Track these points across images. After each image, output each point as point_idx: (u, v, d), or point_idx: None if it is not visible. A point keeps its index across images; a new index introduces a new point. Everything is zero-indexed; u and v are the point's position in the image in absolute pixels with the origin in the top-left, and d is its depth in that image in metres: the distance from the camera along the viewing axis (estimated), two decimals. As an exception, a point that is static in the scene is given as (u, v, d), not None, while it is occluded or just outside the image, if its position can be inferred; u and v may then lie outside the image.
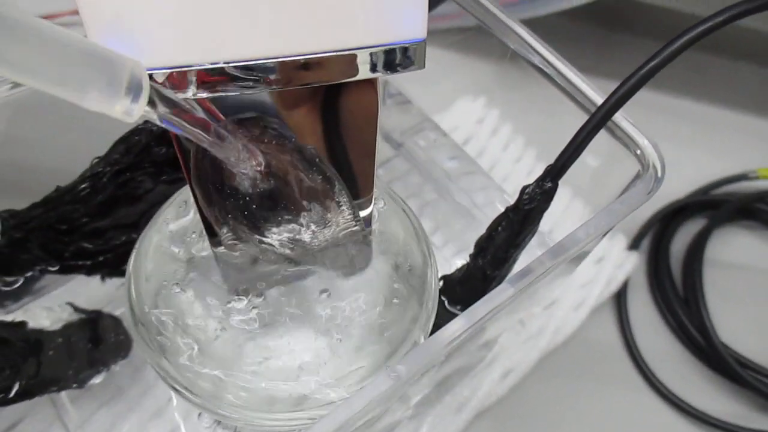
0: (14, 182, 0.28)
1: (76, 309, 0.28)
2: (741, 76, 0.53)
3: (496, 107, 0.43)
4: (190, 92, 0.17)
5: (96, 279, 0.29)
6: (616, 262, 0.39)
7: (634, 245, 0.42)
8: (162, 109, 0.16)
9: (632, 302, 0.40)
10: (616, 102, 0.22)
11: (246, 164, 0.19)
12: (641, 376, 0.38)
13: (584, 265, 0.38)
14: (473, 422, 0.34)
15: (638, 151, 0.24)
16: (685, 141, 0.47)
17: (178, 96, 0.17)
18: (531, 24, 0.28)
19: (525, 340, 0.35)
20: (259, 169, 0.19)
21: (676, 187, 0.45)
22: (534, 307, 0.35)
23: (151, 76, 0.16)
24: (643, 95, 0.22)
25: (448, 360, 0.30)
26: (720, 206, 0.43)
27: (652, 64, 0.22)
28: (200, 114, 0.17)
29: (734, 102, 0.51)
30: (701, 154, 0.47)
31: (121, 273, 0.29)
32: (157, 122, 0.16)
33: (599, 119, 0.22)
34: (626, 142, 0.24)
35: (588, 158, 0.24)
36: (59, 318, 0.27)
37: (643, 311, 0.40)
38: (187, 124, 0.16)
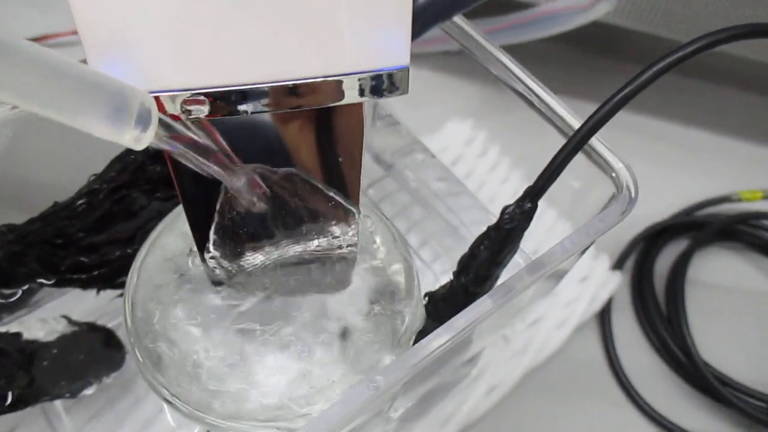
0: (13, 197, 0.29)
1: (71, 321, 0.29)
2: (725, 100, 0.54)
3: (484, 129, 0.44)
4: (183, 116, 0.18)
5: (89, 292, 0.29)
6: (600, 281, 0.40)
7: (618, 265, 0.43)
8: (168, 138, 0.17)
9: (616, 321, 0.41)
10: (591, 127, 0.23)
11: (246, 187, 0.20)
12: (624, 394, 0.38)
13: (568, 284, 0.39)
14: (458, 437, 0.34)
15: (613, 174, 0.25)
16: (669, 163, 0.48)
17: (182, 125, 0.18)
18: (519, 49, 0.29)
19: (509, 356, 0.36)
20: (261, 192, 0.20)
21: (660, 209, 0.46)
22: (518, 324, 0.36)
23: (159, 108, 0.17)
24: (628, 118, 0.23)
25: (433, 374, 0.31)
26: (703, 227, 0.45)
27: (626, 91, 0.23)
28: (205, 142, 0.18)
29: (718, 126, 0.52)
30: (685, 177, 0.48)
31: (116, 286, 0.30)
32: (164, 148, 0.17)
33: (575, 143, 0.23)
34: (602, 165, 0.25)
35: (571, 180, 0.25)
36: (54, 330, 0.28)
37: (627, 330, 0.41)
38: (191, 153, 0.18)
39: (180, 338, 0.22)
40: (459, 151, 0.42)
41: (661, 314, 0.41)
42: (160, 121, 0.16)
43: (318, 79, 0.18)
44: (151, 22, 0.16)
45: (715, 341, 0.40)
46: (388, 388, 0.18)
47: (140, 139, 0.16)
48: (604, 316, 0.40)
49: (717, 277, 0.44)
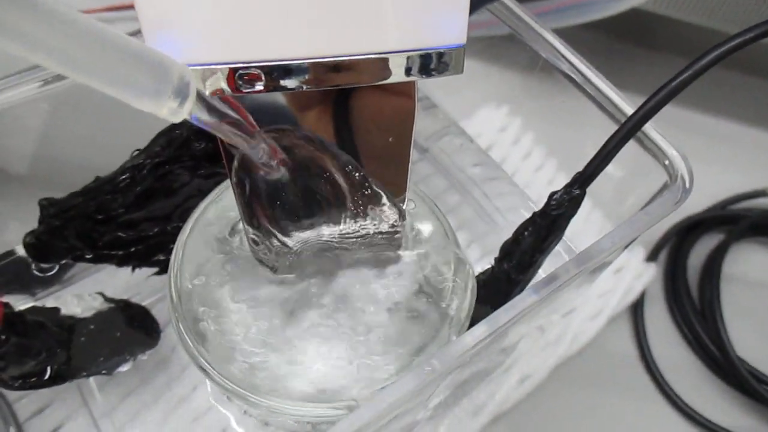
0: (52, 176, 0.29)
1: (106, 298, 0.29)
2: (761, 92, 0.53)
3: (519, 116, 0.43)
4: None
5: (121, 270, 0.29)
6: (634, 273, 0.40)
7: (652, 257, 0.42)
8: (203, 112, 0.17)
9: (649, 313, 0.40)
10: (647, 112, 0.23)
11: (271, 160, 0.20)
12: (656, 387, 0.38)
13: (603, 275, 0.39)
14: (489, 426, 0.34)
15: (666, 162, 0.24)
16: (705, 156, 0.47)
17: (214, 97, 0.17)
18: (557, 35, 0.29)
19: (543, 346, 0.36)
20: (283, 164, 0.20)
21: (695, 202, 0.45)
22: (553, 315, 0.35)
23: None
24: (663, 109, 0.23)
25: (468, 363, 0.30)
26: (738, 221, 0.44)
27: (683, 76, 0.22)
28: (237, 118, 0.18)
29: (754, 118, 0.51)
30: (720, 170, 0.47)
31: (151, 264, 0.29)
32: (198, 124, 0.17)
33: (630, 128, 0.22)
34: (655, 152, 0.25)
35: (610, 170, 0.24)
36: (90, 306, 0.28)
37: (660, 323, 0.40)
38: (225, 127, 0.17)
39: (225, 314, 0.22)
40: (493, 137, 0.42)
41: (695, 308, 0.40)
42: (198, 94, 0.16)
43: (366, 56, 0.18)
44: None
45: (749, 337, 0.39)
46: (443, 371, 0.17)
47: (178, 111, 0.15)
48: (637, 309, 0.40)
49: (752, 271, 0.43)
